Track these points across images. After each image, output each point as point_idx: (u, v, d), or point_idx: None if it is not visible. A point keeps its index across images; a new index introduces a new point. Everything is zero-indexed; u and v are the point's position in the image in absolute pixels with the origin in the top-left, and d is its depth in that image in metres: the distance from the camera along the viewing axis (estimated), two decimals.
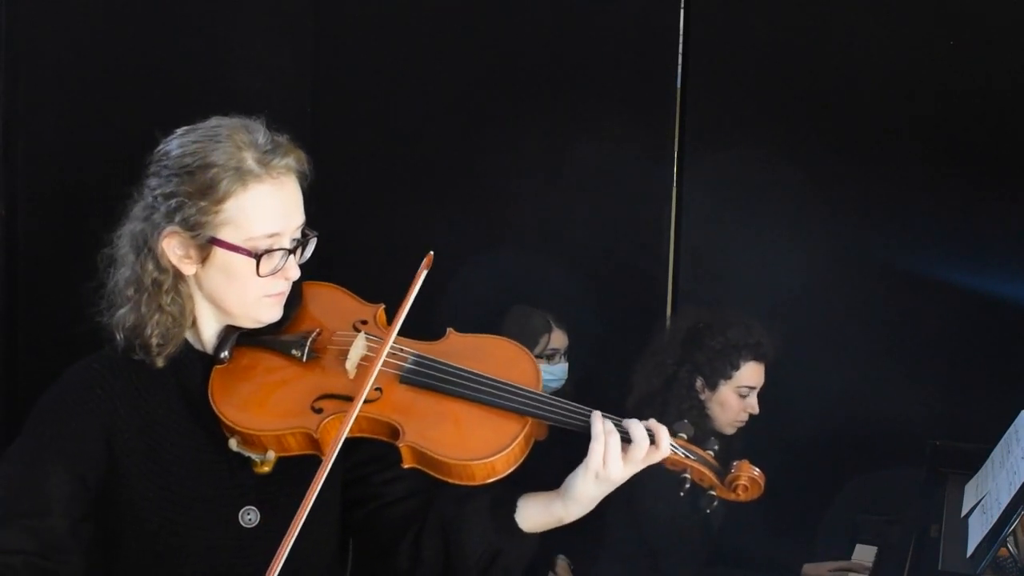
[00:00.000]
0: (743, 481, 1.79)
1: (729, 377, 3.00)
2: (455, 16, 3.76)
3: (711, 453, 1.82)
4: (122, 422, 1.75)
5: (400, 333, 1.80)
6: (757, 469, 1.80)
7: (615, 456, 1.73)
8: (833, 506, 3.32)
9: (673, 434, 1.80)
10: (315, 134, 3.85)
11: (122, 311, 1.76)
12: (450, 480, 1.72)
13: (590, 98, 3.71)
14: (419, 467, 1.73)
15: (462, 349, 1.84)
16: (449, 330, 1.89)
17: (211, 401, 1.75)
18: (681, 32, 3.65)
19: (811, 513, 3.30)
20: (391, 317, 1.83)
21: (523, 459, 1.75)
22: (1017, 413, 2.67)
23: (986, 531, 2.31)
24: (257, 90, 3.60)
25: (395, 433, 1.72)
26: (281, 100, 3.68)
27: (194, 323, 1.80)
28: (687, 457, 1.79)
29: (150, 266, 1.74)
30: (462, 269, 3.35)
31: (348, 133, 3.82)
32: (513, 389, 1.77)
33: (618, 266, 3.74)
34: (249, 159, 1.71)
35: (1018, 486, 2.29)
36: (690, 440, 1.82)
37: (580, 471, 1.75)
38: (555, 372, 3.35)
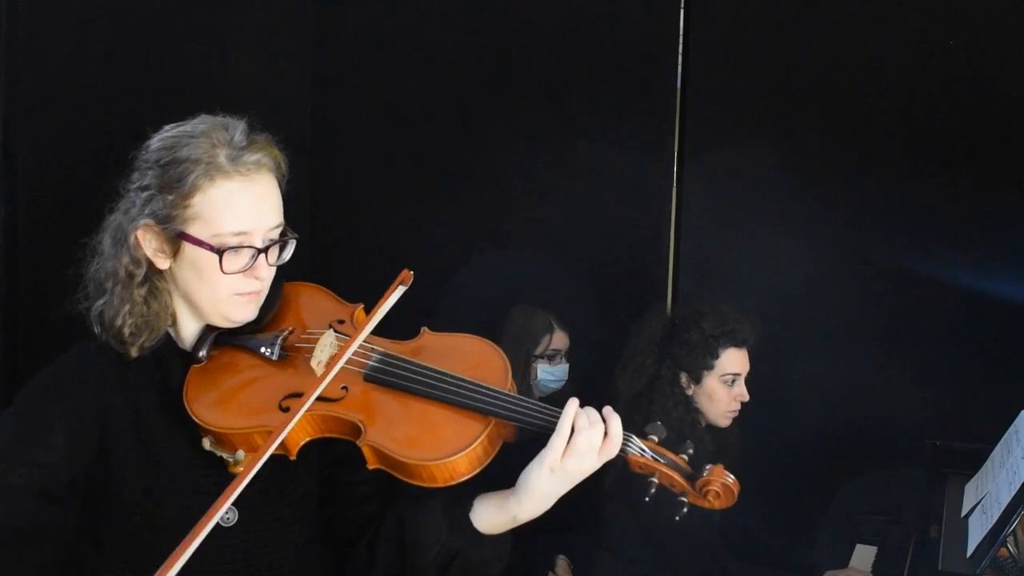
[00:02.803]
0: (715, 487, 1.71)
1: (711, 367, 3.00)
2: (455, 16, 3.76)
3: (684, 458, 1.75)
4: (116, 408, 1.76)
5: (380, 333, 1.79)
6: (731, 476, 1.72)
7: (573, 448, 1.69)
8: (833, 506, 3.32)
9: (643, 436, 1.75)
10: (315, 134, 3.85)
11: (99, 302, 1.78)
12: (413, 481, 1.69)
13: (590, 98, 3.71)
14: (383, 467, 1.71)
15: (433, 348, 1.81)
16: (423, 329, 1.86)
17: (184, 400, 1.75)
18: (681, 32, 3.66)
19: (811, 513, 3.30)
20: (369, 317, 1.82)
21: (488, 461, 1.71)
22: (1017, 413, 2.67)
23: (986, 531, 2.32)
24: (257, 90, 3.59)
25: (357, 432, 1.70)
26: (281, 100, 3.68)
27: (174, 321, 1.81)
28: (656, 460, 1.73)
29: (125, 258, 1.76)
30: (463, 269, 3.35)
31: (348, 133, 3.82)
32: (477, 387, 1.73)
33: (618, 266, 3.74)
34: (220, 155, 1.72)
35: (1018, 486, 2.29)
36: (661, 443, 1.75)
37: (535, 464, 1.71)
38: (556, 373, 3.35)
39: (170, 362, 1.81)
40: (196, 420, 1.73)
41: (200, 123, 1.77)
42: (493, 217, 3.74)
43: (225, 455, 1.72)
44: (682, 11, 3.64)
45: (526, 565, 3.14)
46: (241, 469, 1.66)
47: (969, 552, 2.35)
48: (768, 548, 3.20)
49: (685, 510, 1.73)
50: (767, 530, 3.23)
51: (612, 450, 1.71)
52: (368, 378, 1.75)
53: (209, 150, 1.72)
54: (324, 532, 1.91)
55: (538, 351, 3.33)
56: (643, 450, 1.73)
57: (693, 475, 1.73)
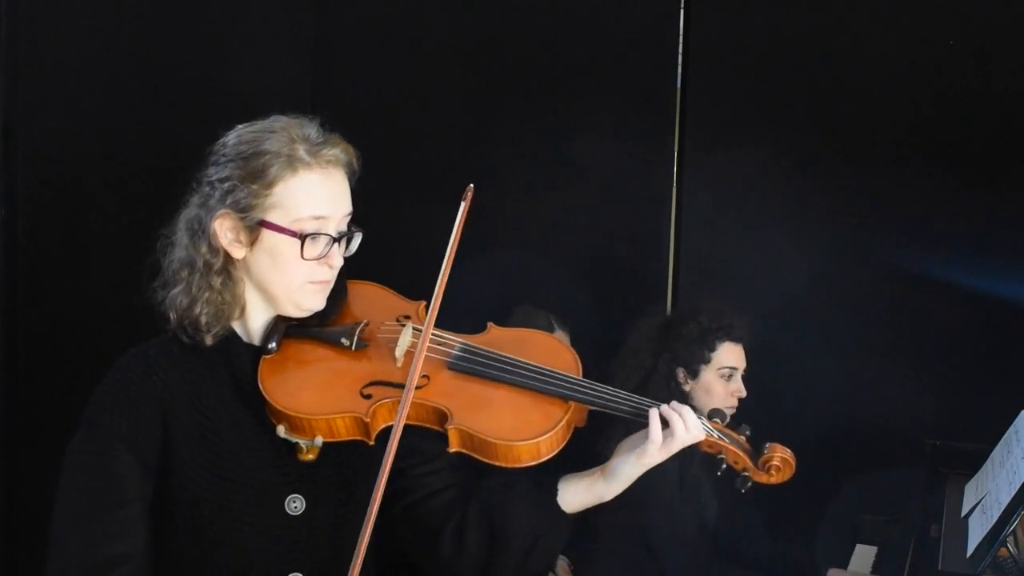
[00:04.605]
0: (776, 462, 1.87)
1: (708, 360, 3.02)
2: (455, 16, 3.76)
3: (744, 437, 1.90)
4: (177, 408, 1.81)
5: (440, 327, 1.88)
6: (788, 450, 1.89)
7: (662, 440, 1.82)
8: (833, 506, 3.32)
9: (709, 417, 1.89)
10: None
11: (175, 291, 1.84)
12: (496, 463, 1.79)
13: (590, 98, 3.71)
14: (465, 451, 1.79)
15: (504, 340, 1.92)
16: (490, 324, 1.97)
17: (261, 388, 1.80)
18: (681, 32, 3.66)
19: (811, 513, 3.30)
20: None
21: (563, 444, 1.82)
22: (1017, 413, 2.67)
23: (986, 531, 2.31)
24: (257, 90, 3.60)
25: (443, 418, 1.79)
26: (281, 100, 3.67)
27: (243, 313, 1.87)
28: (722, 439, 1.87)
29: (203, 248, 1.82)
30: (463, 270, 3.34)
31: (348, 133, 3.81)
32: (557, 375, 1.85)
33: (618, 266, 3.74)
34: (300, 149, 1.82)
35: (1018, 486, 2.29)
36: (726, 425, 1.90)
37: (630, 456, 1.84)
38: None
39: (238, 356, 1.85)
40: (276, 407, 1.78)
41: (275, 121, 1.87)
42: (493, 217, 3.74)
43: (302, 441, 1.78)
44: (682, 11, 3.64)
45: None
46: (312, 457, 1.79)
47: (969, 552, 2.35)
48: (767, 550, 3.20)
49: (750, 484, 1.89)
50: (767, 530, 3.23)
51: (693, 439, 1.83)
52: (452, 367, 1.85)
53: (289, 144, 1.81)
54: (394, 529, 1.95)
55: None
56: (710, 430, 1.87)
57: (754, 453, 1.89)
